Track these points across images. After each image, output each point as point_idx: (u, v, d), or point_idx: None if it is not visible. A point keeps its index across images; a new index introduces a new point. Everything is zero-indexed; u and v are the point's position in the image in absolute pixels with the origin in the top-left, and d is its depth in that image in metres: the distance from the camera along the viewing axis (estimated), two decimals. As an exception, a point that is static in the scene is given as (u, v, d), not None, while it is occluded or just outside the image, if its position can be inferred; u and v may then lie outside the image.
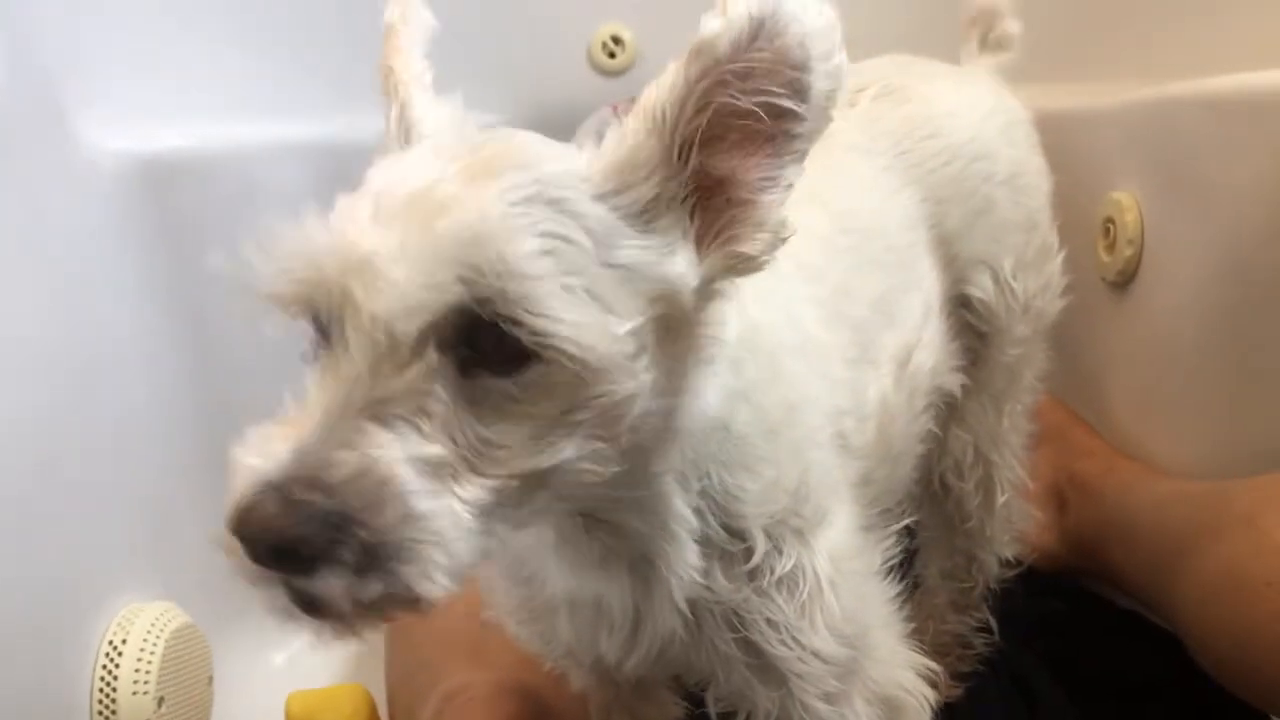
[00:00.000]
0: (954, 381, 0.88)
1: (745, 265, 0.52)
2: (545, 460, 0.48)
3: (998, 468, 0.97)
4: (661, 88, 0.49)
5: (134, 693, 0.93)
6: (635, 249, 0.49)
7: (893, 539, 0.72)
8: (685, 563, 0.61)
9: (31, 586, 0.88)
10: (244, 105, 1.28)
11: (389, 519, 0.44)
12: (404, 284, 0.45)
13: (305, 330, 0.50)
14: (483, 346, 0.46)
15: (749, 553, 0.62)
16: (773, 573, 0.62)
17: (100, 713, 0.93)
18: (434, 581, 0.45)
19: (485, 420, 0.47)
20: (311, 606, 0.45)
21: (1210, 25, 1.18)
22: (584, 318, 0.46)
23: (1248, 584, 0.87)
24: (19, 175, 0.95)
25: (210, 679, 1.05)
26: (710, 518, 0.61)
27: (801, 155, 0.50)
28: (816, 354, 0.69)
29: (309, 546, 0.43)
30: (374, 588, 0.44)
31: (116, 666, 0.94)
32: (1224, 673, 0.90)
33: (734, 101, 0.48)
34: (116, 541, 1.00)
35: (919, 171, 0.83)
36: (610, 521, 0.59)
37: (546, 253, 0.46)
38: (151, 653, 0.95)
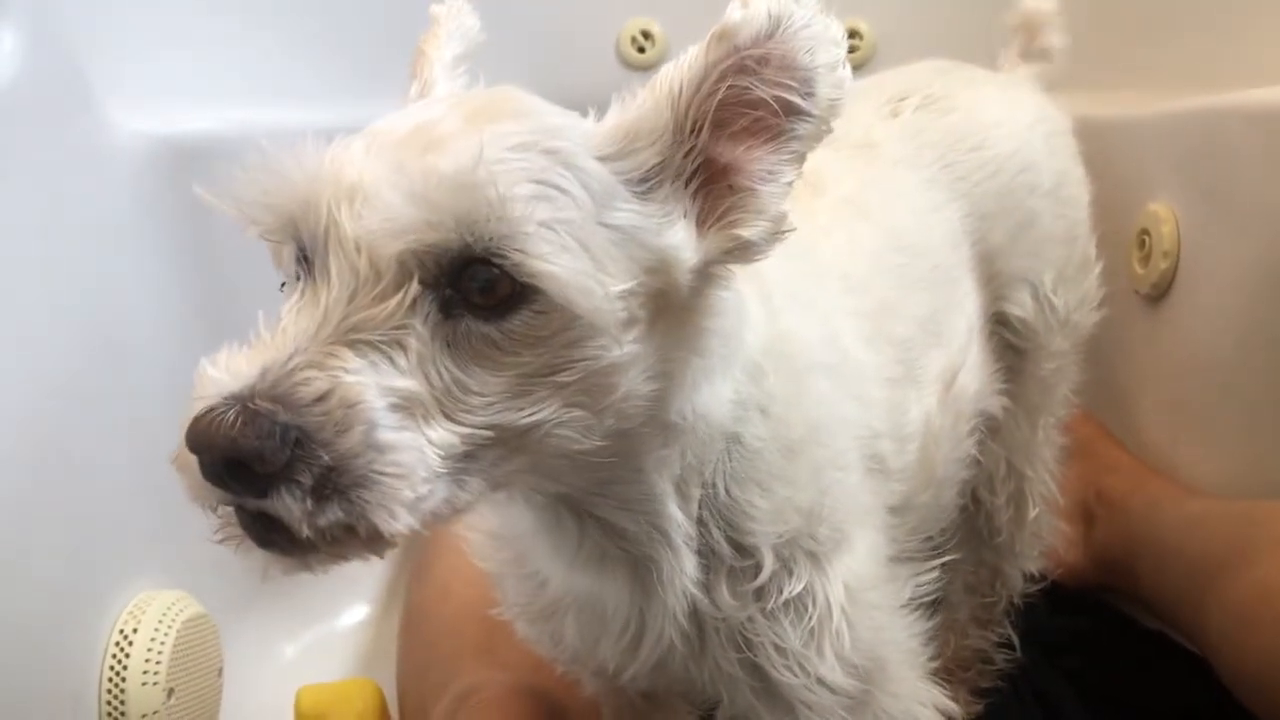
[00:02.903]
0: (996, 405, 0.87)
1: (743, 251, 0.51)
2: (523, 417, 0.47)
3: (1030, 481, 0.96)
4: (680, 65, 0.49)
5: (143, 683, 0.92)
6: (633, 214, 0.49)
7: (933, 573, 0.70)
8: (683, 572, 0.60)
9: (43, 572, 0.87)
10: (270, 88, 1.27)
11: (353, 444, 0.42)
12: (392, 208, 0.45)
13: (287, 260, 0.49)
14: (468, 288, 0.46)
15: (756, 570, 0.61)
16: (780, 594, 0.61)
17: (109, 703, 0.91)
18: (395, 517, 0.44)
19: (463, 365, 0.46)
20: (263, 535, 0.44)
21: (1254, 36, 1.16)
22: (577, 265, 0.46)
23: None
24: (44, 156, 0.95)
25: (220, 670, 1.04)
26: (714, 530, 0.60)
27: (799, 157, 0.50)
28: (851, 373, 0.67)
29: (265, 463, 0.41)
30: (333, 514, 0.43)
31: (127, 656, 0.93)
32: (1255, 699, 0.88)
33: (748, 89, 0.48)
34: (130, 528, 0.99)
35: (964, 185, 0.82)
36: (600, 519, 0.58)
37: (541, 199, 0.46)
38: (162, 643, 0.94)
